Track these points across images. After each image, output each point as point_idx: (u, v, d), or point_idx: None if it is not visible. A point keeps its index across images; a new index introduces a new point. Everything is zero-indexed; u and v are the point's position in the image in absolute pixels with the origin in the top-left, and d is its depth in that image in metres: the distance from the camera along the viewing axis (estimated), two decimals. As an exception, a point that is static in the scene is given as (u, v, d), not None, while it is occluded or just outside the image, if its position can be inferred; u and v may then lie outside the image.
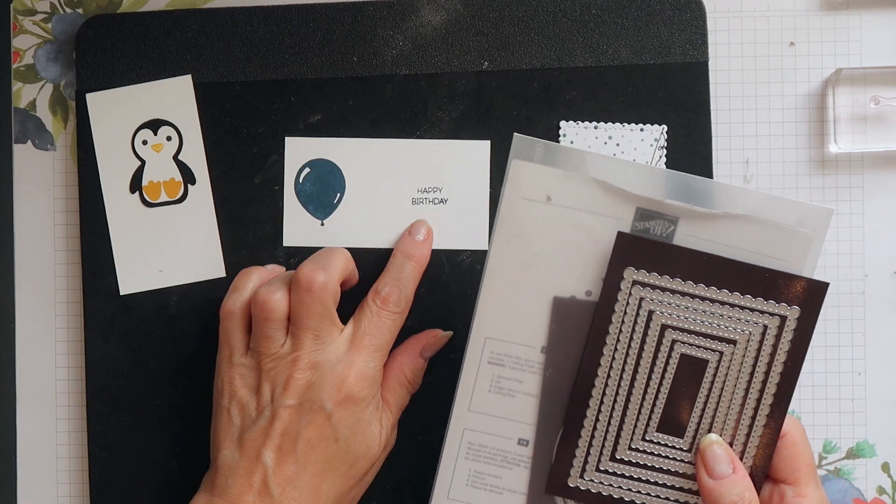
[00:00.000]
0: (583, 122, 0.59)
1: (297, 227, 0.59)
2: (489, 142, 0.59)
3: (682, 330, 0.50)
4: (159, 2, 0.61)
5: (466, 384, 0.52)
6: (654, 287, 0.49)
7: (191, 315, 0.59)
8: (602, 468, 0.51)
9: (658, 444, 0.51)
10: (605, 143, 0.58)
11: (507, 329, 0.51)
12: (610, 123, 0.59)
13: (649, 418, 0.51)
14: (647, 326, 0.50)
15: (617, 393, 0.50)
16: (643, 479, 0.51)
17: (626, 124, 0.59)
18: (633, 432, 0.51)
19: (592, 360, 0.50)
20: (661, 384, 0.50)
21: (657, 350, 0.50)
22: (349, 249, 0.56)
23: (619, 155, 0.58)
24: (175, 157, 0.60)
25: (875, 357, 0.60)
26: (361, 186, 0.59)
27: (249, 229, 0.59)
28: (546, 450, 0.52)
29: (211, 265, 0.59)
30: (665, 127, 0.58)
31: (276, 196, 0.59)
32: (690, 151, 0.59)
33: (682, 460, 0.51)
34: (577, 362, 0.51)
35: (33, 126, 0.61)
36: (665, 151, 0.58)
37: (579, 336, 0.51)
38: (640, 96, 0.59)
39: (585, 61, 0.59)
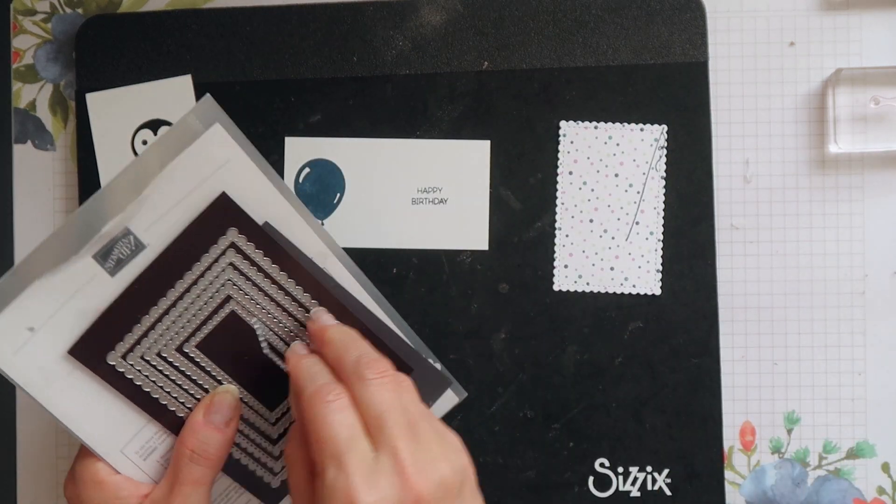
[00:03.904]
0: (583, 121, 0.59)
1: (297, 227, 0.59)
2: (489, 142, 0.59)
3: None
4: (159, 2, 0.61)
5: None
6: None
7: (191, 315, 0.59)
8: (147, 358, 0.49)
9: (198, 357, 0.50)
10: (605, 143, 0.59)
11: (117, 432, 0.50)
12: (610, 123, 0.59)
13: (191, 337, 0.50)
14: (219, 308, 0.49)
15: (177, 308, 0.49)
16: (175, 381, 0.50)
17: (626, 124, 0.59)
18: (182, 341, 0.50)
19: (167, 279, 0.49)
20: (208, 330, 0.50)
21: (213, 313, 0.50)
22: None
23: (618, 155, 0.58)
24: (175, 157, 0.60)
25: (875, 357, 0.60)
26: (361, 186, 0.59)
27: (249, 229, 0.59)
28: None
29: (211, 265, 0.59)
30: (665, 127, 0.58)
31: (276, 196, 0.59)
32: (690, 151, 0.59)
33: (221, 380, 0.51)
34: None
35: (33, 126, 0.61)
36: (665, 151, 0.58)
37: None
38: (640, 96, 0.59)
39: (585, 61, 0.59)
